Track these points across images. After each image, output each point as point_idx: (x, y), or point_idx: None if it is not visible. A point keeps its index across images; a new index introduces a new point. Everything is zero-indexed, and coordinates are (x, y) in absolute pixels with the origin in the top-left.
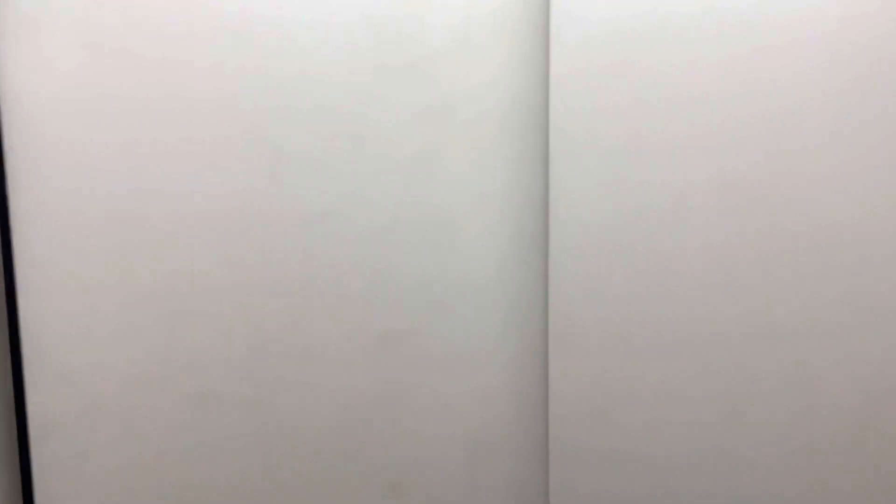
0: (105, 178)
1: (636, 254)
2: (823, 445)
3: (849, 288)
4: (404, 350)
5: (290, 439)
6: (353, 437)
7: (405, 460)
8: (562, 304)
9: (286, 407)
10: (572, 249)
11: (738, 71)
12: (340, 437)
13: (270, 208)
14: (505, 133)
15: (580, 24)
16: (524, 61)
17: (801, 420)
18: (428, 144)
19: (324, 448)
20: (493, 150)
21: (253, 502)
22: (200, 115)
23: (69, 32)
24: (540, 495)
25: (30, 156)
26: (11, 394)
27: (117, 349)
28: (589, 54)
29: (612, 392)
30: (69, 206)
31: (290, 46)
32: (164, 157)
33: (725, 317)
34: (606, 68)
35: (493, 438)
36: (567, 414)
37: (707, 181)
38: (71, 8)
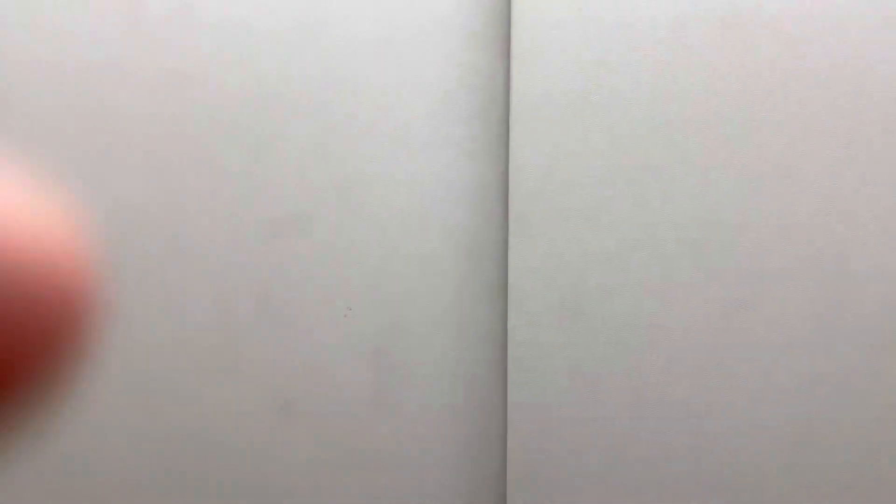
0: None
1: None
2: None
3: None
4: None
5: (160, 354)
6: (237, 350)
7: (300, 375)
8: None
9: (152, 312)
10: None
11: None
12: (222, 352)
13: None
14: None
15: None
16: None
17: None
18: None
19: (203, 365)
20: None
21: (122, 429)
22: None
23: None
24: (463, 412)
25: None
26: None
27: None
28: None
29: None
30: None
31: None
32: None
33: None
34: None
35: (406, 347)
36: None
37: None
38: None
